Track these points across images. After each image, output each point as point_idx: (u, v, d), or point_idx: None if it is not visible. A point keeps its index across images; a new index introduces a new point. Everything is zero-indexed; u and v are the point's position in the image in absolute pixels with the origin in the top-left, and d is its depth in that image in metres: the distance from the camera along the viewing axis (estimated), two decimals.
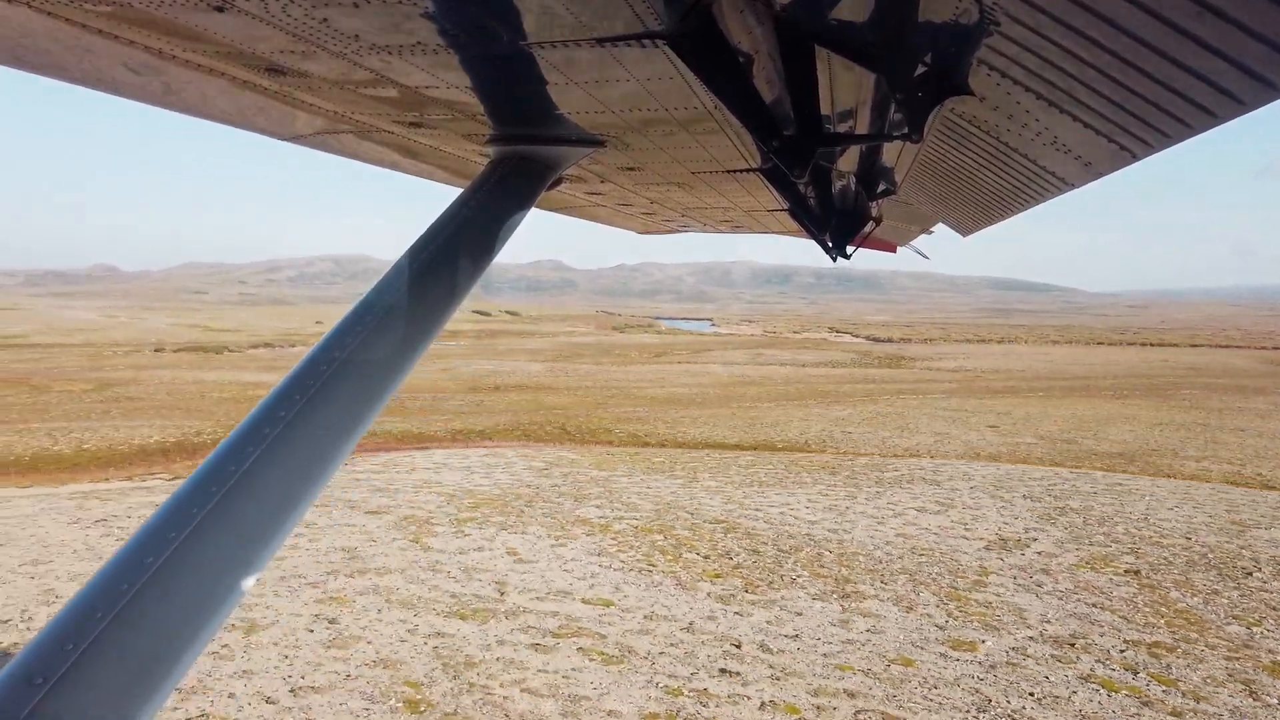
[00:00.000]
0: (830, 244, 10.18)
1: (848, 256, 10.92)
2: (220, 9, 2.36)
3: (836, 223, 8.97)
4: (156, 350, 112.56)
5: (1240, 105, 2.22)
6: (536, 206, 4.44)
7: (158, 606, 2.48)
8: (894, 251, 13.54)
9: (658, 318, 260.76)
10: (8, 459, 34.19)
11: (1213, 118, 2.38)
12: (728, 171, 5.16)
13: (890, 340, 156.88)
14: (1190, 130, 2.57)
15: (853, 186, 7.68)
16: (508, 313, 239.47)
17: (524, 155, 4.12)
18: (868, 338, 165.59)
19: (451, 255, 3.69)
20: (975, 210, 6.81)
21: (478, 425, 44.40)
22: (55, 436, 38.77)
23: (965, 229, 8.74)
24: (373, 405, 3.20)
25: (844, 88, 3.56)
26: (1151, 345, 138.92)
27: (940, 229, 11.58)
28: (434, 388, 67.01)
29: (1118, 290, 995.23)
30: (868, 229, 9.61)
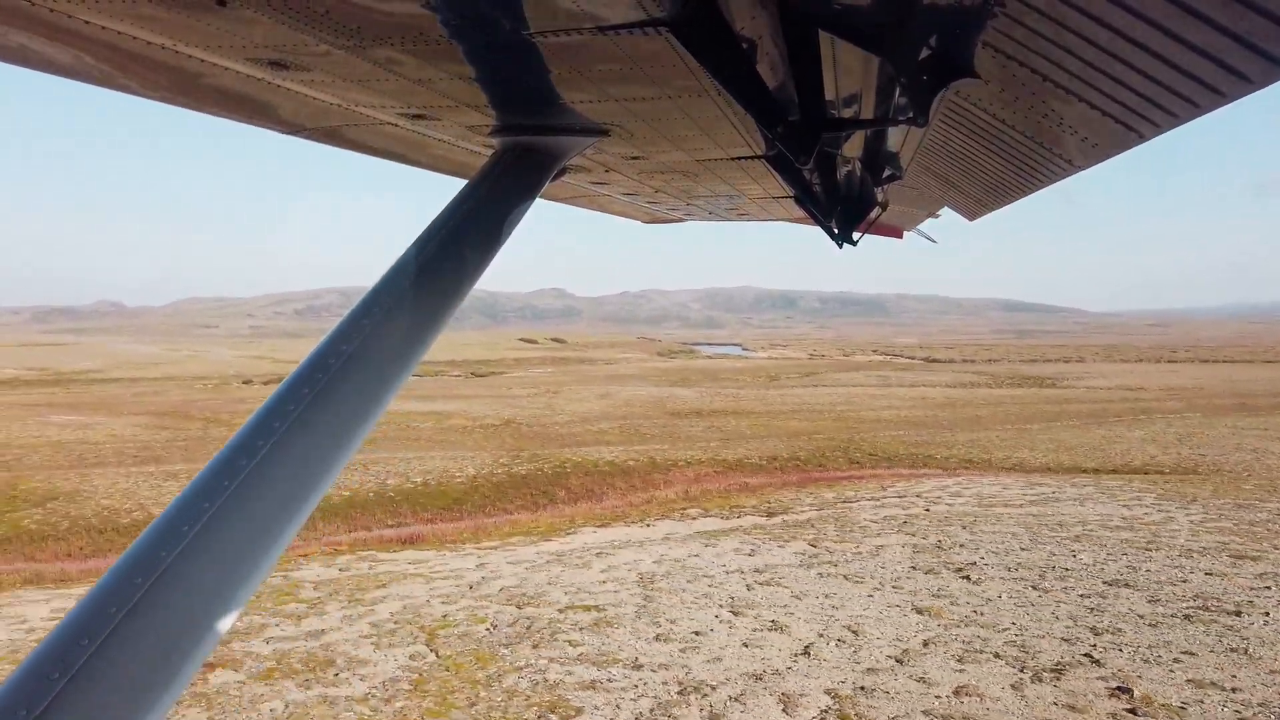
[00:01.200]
0: (836, 230, 10.03)
1: (854, 242, 10.79)
2: (222, 2, 2.33)
3: (842, 209, 8.89)
4: (245, 383, 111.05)
5: (1248, 84, 2.18)
6: (541, 197, 4.38)
7: (172, 600, 2.46)
8: (900, 237, 13.30)
9: (695, 344, 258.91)
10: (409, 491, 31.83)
11: (1220, 96, 2.34)
12: (732, 159, 5.08)
13: (950, 361, 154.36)
14: (1198, 109, 2.52)
15: (858, 172, 7.60)
16: (553, 340, 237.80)
17: (528, 146, 4.07)
18: (925, 359, 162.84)
19: (457, 247, 3.63)
20: (982, 194, 6.68)
21: (783, 450, 42.59)
22: (377, 472, 36.14)
23: (972, 213, 8.50)
24: (382, 397, 3.18)
25: (848, 72, 3.49)
26: (1238, 362, 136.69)
27: (947, 214, 11.39)
28: (639, 414, 64.44)
29: (1121, 310, 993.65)
30: (874, 214, 9.52)
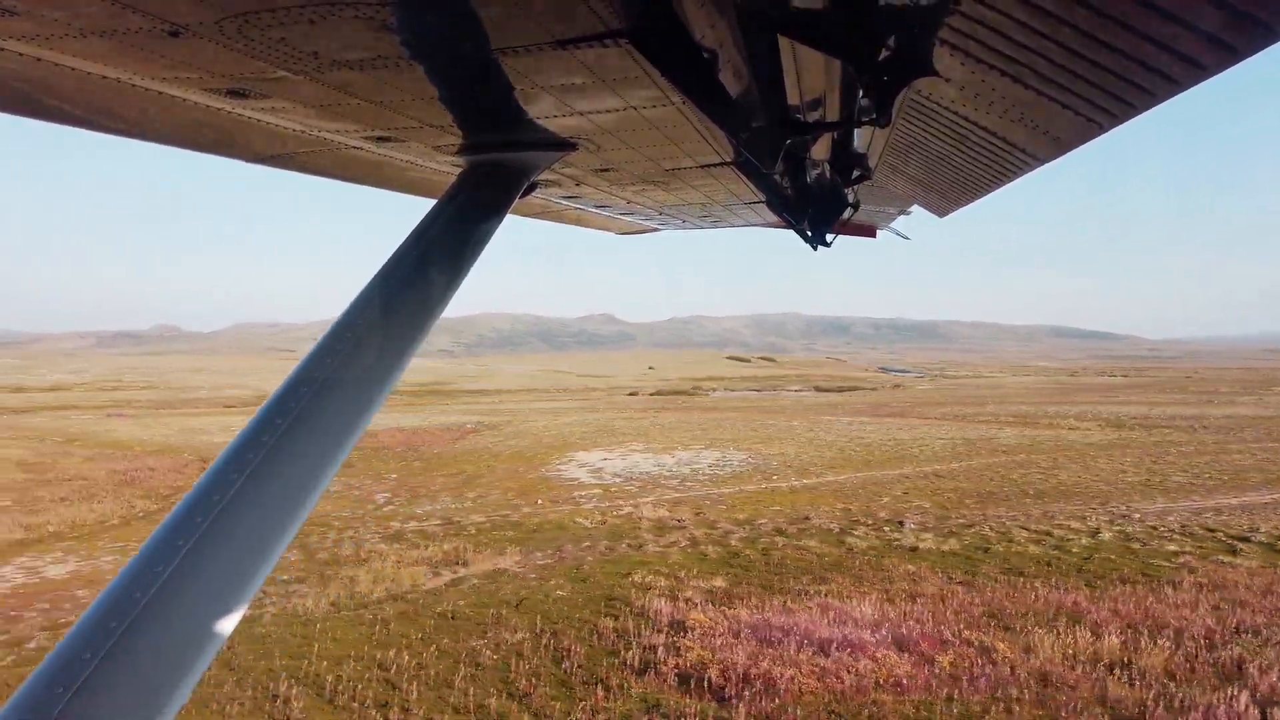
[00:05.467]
0: (809, 232, 10.19)
1: (828, 244, 10.91)
2: (175, 34, 2.31)
3: (814, 211, 9.06)
4: (630, 394, 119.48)
5: (1202, 71, 2.21)
6: (514, 214, 4.50)
7: (170, 613, 2.51)
8: (873, 236, 13.49)
9: (883, 368, 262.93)
10: None
11: (1175, 85, 2.38)
12: (702, 166, 5.12)
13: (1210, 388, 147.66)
14: (1154, 99, 2.57)
15: (828, 174, 7.75)
16: (762, 358, 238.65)
17: (495, 163, 4.07)
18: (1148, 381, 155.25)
19: (427, 268, 3.63)
20: (950, 190, 6.86)
21: None
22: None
23: (941, 210, 8.65)
24: (357, 423, 3.18)
25: (810, 76, 3.54)
26: None
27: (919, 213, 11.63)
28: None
29: (1177, 337, 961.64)
30: (846, 215, 9.66)
